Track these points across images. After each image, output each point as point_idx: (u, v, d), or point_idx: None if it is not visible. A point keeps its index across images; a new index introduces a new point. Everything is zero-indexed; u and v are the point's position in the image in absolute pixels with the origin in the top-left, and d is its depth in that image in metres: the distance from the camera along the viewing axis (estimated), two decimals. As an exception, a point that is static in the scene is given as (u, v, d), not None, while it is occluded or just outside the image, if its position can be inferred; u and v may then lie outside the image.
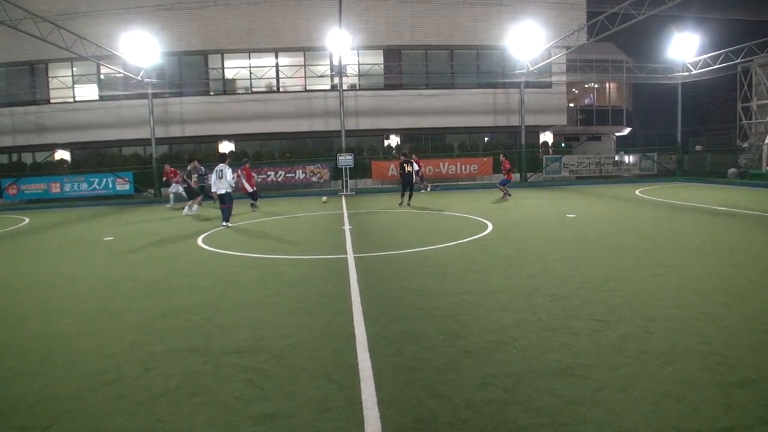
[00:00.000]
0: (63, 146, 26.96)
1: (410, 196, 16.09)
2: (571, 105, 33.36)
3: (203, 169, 17.47)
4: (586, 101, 36.08)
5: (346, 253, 8.43)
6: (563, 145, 30.13)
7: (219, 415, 3.25)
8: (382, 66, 26.73)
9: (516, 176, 26.65)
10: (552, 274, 6.55)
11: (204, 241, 10.50)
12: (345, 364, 3.94)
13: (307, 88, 26.59)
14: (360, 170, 24.83)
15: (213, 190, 12.84)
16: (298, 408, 3.29)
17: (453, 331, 4.58)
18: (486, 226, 10.96)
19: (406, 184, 15.95)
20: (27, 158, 27.28)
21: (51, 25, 18.33)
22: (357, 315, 5.10)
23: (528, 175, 26.56)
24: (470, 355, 4.03)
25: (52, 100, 26.81)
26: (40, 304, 6.22)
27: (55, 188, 24.07)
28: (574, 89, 34.33)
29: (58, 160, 26.74)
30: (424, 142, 27.68)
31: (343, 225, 12.16)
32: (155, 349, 4.46)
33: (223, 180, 12.40)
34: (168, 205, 18.81)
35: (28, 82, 26.74)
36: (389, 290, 6.06)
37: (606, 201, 16.34)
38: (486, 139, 28.58)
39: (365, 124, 26.48)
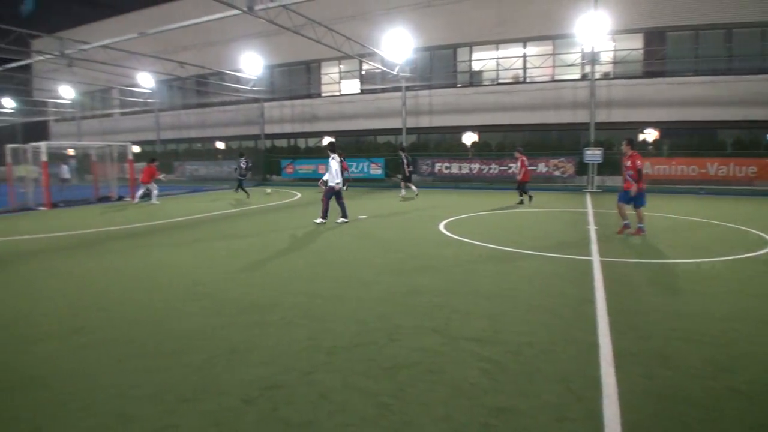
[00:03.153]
0: (329, 133, 30.88)
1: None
2: None
3: (248, 163, 20.51)
4: None
5: (590, 255, 7.88)
6: None
7: (453, 398, 3.35)
8: (641, 51, 24.15)
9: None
10: None
11: (446, 227, 10.95)
12: (586, 374, 3.69)
13: (555, 77, 25.55)
14: (609, 166, 22.90)
15: (333, 184, 11.75)
16: (532, 409, 3.20)
17: (717, 362, 3.91)
18: (766, 242, 9.12)
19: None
20: (301, 143, 32.09)
21: (324, 29, 21.06)
22: (602, 324, 4.71)
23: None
24: (739, 395, 3.39)
25: (322, 94, 30.94)
26: (306, 268, 7.25)
27: (322, 169, 27.68)
28: None
29: (325, 146, 30.70)
30: (688, 138, 24.24)
31: (588, 224, 11.42)
32: (400, 323, 4.81)
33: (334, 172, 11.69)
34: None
35: (304, 79, 31.39)
36: (640, 303, 5.46)
37: None
38: (771, 136, 23.73)
39: (618, 116, 24.31)
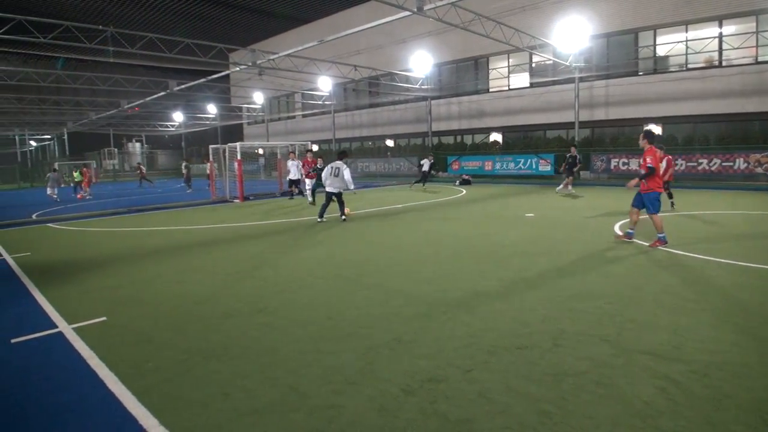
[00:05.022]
0: (496, 129, 30.41)
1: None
2: None
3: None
4: None
5: (800, 266, 6.69)
6: None
7: (623, 415, 3.09)
8: None
9: None
10: None
11: (621, 228, 10.09)
12: (790, 406, 3.15)
13: (759, 59, 21.98)
14: (831, 161, 19.22)
15: (327, 190, 12.23)
16: (721, 438, 2.83)
17: None
18: None
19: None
20: (467, 139, 32.01)
21: (493, 23, 20.69)
22: (817, 350, 3.96)
23: None
24: None
25: (490, 90, 30.49)
26: (470, 265, 7.24)
27: (488, 166, 27.44)
28: None
29: (491, 142, 30.32)
30: None
31: (798, 230, 9.68)
32: (565, 328, 4.57)
33: (339, 178, 12.00)
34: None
35: (472, 75, 31.21)
36: None
37: None
38: None
39: None
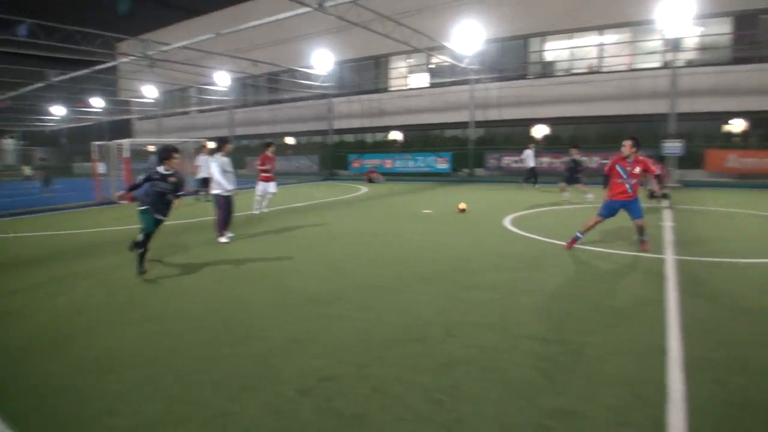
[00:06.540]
0: (396, 128, 31.00)
1: None
2: None
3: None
4: None
5: (663, 254, 7.46)
6: None
7: (509, 396, 3.28)
8: (729, 36, 22.44)
9: None
10: None
11: (512, 222, 10.69)
12: (651, 378, 3.49)
13: (633, 67, 24.27)
14: (690, 160, 21.60)
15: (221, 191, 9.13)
16: (592, 412, 3.07)
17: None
18: None
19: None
20: (368, 138, 32.35)
21: (393, 23, 21.07)
22: (672, 327, 4.43)
23: None
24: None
25: (390, 89, 31.02)
26: (368, 262, 7.32)
27: (388, 164, 27.90)
28: None
29: (391, 140, 30.86)
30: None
31: (661, 221, 10.79)
32: (457, 319, 4.76)
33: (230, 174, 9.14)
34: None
35: (372, 74, 31.58)
36: (717, 306, 5.10)
37: None
38: None
39: (702, 105, 22.76)
